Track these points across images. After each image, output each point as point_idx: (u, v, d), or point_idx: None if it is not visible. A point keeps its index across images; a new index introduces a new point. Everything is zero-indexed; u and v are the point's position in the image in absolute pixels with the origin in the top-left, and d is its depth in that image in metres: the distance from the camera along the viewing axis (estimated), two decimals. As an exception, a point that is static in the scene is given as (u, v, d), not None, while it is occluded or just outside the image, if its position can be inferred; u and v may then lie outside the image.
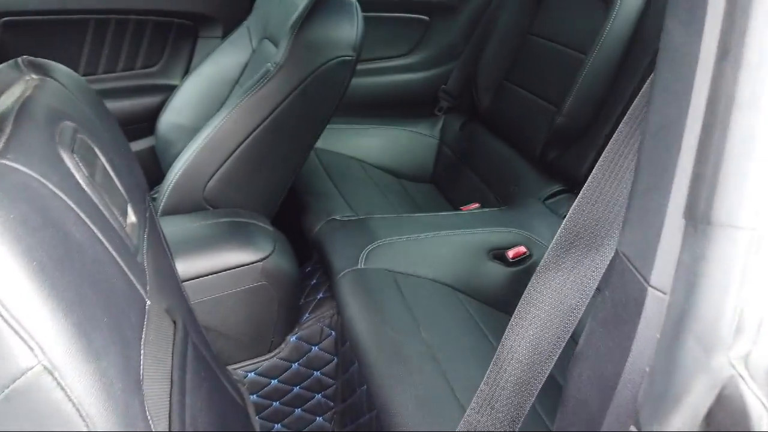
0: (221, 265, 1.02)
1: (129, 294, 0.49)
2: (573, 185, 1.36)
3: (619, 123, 1.27)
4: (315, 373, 1.17)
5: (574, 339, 0.46)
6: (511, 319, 0.49)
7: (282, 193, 1.27)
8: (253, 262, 1.04)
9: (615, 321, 0.37)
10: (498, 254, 1.19)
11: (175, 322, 0.62)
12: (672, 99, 0.34)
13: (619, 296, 0.37)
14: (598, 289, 0.45)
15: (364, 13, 1.21)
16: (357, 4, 1.21)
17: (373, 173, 1.67)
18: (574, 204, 0.46)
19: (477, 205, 1.43)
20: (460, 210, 1.41)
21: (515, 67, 1.60)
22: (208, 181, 1.16)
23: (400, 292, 1.05)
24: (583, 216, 0.45)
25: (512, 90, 1.58)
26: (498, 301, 1.17)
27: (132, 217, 0.60)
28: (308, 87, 1.15)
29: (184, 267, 0.99)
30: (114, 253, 0.48)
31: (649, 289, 0.34)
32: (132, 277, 0.51)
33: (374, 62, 1.81)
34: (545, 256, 0.48)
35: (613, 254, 0.49)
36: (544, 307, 0.47)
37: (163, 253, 0.70)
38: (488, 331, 1.04)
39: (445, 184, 1.74)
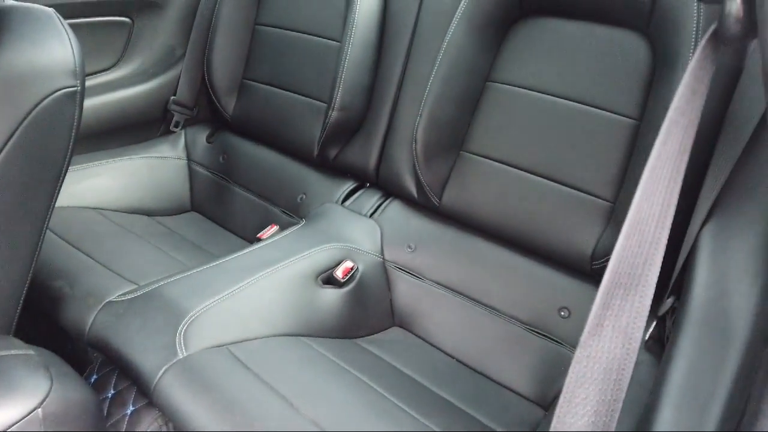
0: (-23, 440, 0.66)
1: None
2: (365, 179, 1.29)
3: (396, 107, 1.22)
4: (156, 507, 0.88)
5: None
6: (557, 411, 0.38)
7: (21, 291, 0.90)
8: (28, 413, 0.70)
9: None
10: (326, 277, 1.06)
11: None
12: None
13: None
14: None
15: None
16: (58, 15, 0.89)
17: (123, 221, 1.33)
18: (616, 249, 0.36)
19: (275, 227, 1.25)
20: (258, 238, 1.21)
21: (256, 64, 1.43)
22: None
23: (247, 369, 0.84)
24: (625, 257, 0.36)
25: (261, 90, 1.41)
26: (344, 330, 1.04)
27: None
28: (22, 139, 0.81)
29: None
30: None
31: None
32: None
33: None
34: (588, 322, 0.38)
35: (652, 292, 0.42)
36: (595, 381, 0.37)
37: None
38: (356, 371, 0.91)
39: (212, 210, 1.50)
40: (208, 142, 1.55)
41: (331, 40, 1.28)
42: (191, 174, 1.54)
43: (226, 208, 1.47)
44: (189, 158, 1.55)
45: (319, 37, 1.30)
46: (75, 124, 0.89)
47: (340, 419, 0.77)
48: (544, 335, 0.99)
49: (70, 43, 0.86)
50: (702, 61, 0.44)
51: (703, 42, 0.45)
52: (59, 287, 1.01)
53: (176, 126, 1.57)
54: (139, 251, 1.18)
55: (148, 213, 1.45)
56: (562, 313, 0.98)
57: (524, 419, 0.92)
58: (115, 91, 1.48)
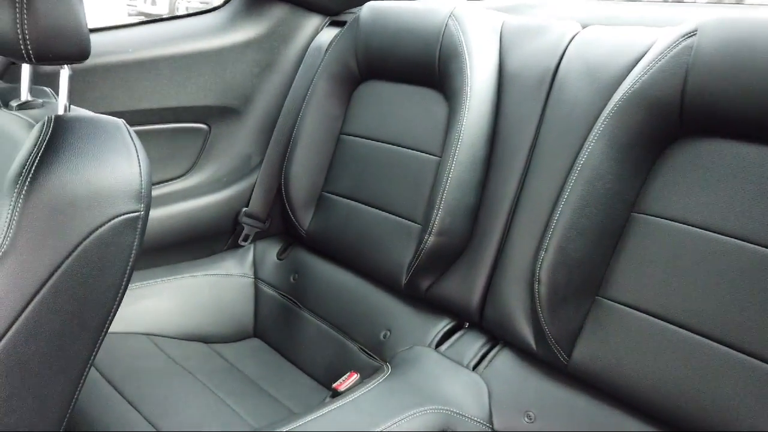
0: None
1: None
2: (465, 318, 1.07)
3: (508, 234, 0.98)
4: None
5: None
6: None
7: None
8: None
9: None
10: (423, 457, 0.82)
11: None
12: None
13: None
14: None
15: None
16: (128, 126, 0.76)
17: (177, 351, 1.15)
18: None
19: (355, 375, 1.02)
20: (335, 389, 0.99)
21: (338, 176, 1.28)
22: None
23: None
24: None
25: (342, 204, 1.25)
26: None
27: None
28: (64, 278, 0.65)
29: None
30: None
31: None
32: None
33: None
34: None
35: None
36: None
37: None
38: None
39: (277, 337, 1.30)
40: (279, 259, 1.38)
41: (429, 154, 1.11)
42: (257, 294, 1.36)
43: (293, 337, 1.27)
44: (256, 276, 1.38)
45: (414, 150, 1.14)
46: (134, 253, 0.72)
47: None
48: None
49: (138, 160, 0.72)
50: None
51: None
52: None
53: (245, 240, 1.42)
54: (191, 399, 0.98)
55: (206, 339, 1.27)
56: None
57: None
58: (184, 202, 1.35)
